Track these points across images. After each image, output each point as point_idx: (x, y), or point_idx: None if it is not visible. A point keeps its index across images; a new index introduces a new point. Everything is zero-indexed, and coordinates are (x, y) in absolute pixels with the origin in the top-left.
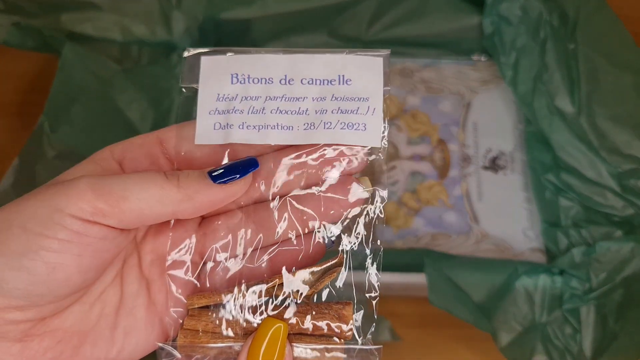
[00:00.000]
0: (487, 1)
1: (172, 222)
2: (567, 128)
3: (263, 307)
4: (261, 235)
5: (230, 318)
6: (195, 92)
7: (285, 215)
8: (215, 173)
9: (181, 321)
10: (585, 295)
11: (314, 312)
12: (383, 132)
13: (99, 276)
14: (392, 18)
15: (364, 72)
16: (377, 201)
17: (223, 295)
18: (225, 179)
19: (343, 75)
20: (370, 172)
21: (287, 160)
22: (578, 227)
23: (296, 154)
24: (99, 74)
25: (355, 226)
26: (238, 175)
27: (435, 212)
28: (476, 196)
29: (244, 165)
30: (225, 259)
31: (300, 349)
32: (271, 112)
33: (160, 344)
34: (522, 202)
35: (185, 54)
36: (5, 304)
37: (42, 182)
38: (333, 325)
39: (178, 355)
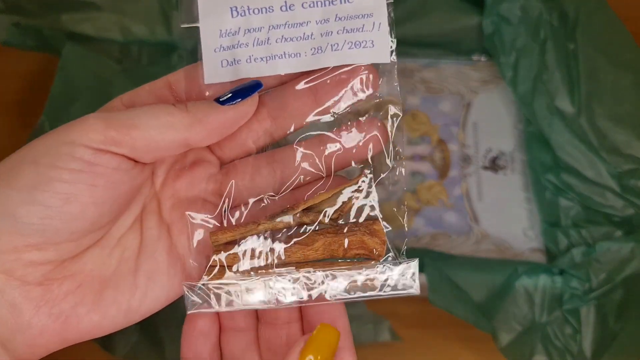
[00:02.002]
0: (487, 1)
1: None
2: (567, 128)
3: (291, 233)
4: (281, 171)
5: (257, 251)
6: (196, 30)
7: (302, 153)
8: (223, 98)
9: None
10: (585, 296)
11: (344, 230)
12: (391, 47)
13: (116, 214)
14: (392, 18)
15: None
16: (391, 117)
17: (248, 228)
18: (233, 101)
19: None
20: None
21: (300, 86)
22: (578, 227)
23: (306, 80)
24: (99, 74)
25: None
26: (244, 97)
27: (435, 212)
28: (476, 196)
29: (248, 87)
30: (248, 197)
31: (335, 275)
32: (276, 42)
33: (186, 283)
34: (522, 202)
35: None
36: (23, 242)
37: None
38: (366, 239)
39: (209, 293)
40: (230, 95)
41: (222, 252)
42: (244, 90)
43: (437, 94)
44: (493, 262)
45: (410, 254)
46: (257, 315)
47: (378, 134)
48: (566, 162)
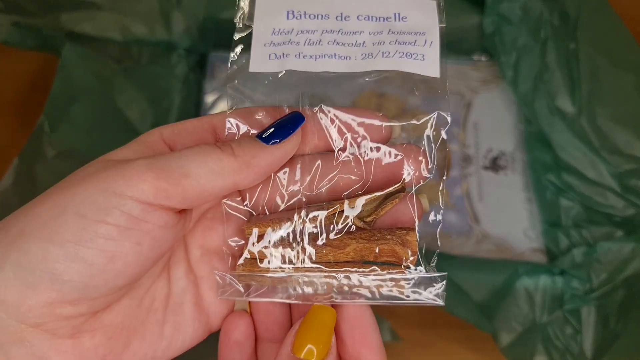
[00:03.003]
0: (488, 1)
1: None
2: (568, 128)
3: (324, 235)
4: (319, 161)
5: (288, 248)
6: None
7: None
8: (265, 135)
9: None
10: (586, 296)
11: (377, 238)
12: (441, 64)
13: (150, 269)
14: None
15: (418, 10)
16: (434, 125)
17: (282, 223)
18: (277, 139)
19: (399, 13)
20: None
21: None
22: (579, 227)
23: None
24: (98, 74)
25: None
26: (288, 133)
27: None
28: (477, 196)
29: (291, 120)
30: (284, 187)
31: (363, 278)
32: (328, 44)
33: (219, 273)
34: (522, 202)
35: None
36: (59, 298)
37: (42, 182)
38: (397, 250)
39: (239, 285)
40: (272, 130)
41: (255, 244)
42: (287, 125)
43: (437, 94)
44: (493, 262)
45: None
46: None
47: (415, 162)
48: (567, 162)
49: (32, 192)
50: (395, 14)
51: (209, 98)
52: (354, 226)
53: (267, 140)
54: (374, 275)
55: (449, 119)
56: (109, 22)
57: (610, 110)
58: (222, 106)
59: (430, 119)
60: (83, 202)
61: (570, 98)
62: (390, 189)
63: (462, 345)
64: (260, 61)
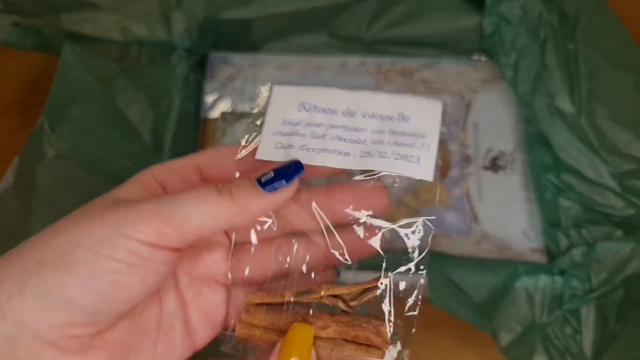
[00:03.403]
0: (487, 1)
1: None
2: (567, 128)
3: (309, 312)
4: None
5: (280, 317)
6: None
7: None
8: (264, 179)
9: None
10: (586, 296)
11: (355, 324)
12: (435, 168)
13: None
14: (392, 18)
15: (423, 112)
16: (421, 232)
17: (276, 297)
18: (275, 185)
19: (402, 113)
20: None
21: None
22: (578, 227)
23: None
24: (98, 74)
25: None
26: (285, 181)
27: (435, 213)
28: (476, 196)
29: (290, 169)
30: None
31: (340, 353)
32: (331, 139)
33: (223, 332)
34: (522, 202)
35: (264, 87)
36: (71, 321)
37: (42, 182)
38: (372, 338)
39: (235, 342)
40: (272, 175)
41: (252, 312)
42: (286, 172)
43: (437, 94)
44: (493, 262)
45: None
46: None
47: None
48: (566, 162)
49: (32, 193)
50: (399, 113)
51: (209, 98)
52: (335, 308)
53: (265, 185)
54: (351, 353)
55: (432, 228)
56: (109, 23)
57: (610, 110)
58: (222, 106)
59: (415, 223)
60: (95, 240)
61: (570, 98)
62: (369, 283)
63: (461, 344)
64: (267, 149)
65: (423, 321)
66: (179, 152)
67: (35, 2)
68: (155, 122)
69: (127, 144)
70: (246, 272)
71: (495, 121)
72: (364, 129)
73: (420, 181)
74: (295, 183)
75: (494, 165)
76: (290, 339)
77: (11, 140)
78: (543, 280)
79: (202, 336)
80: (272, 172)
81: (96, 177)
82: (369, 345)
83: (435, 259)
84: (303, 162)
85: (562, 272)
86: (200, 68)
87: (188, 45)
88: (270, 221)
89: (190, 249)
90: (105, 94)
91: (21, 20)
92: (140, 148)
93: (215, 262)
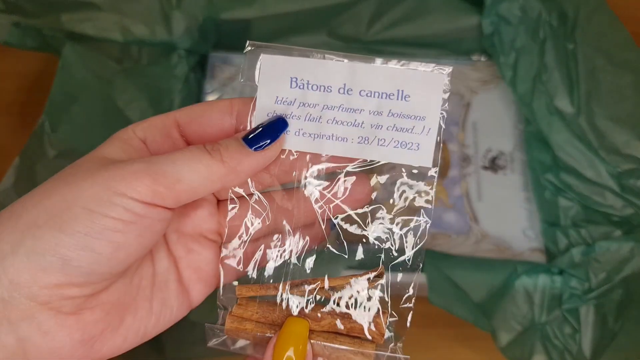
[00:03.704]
0: (487, 1)
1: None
2: (567, 128)
3: (303, 305)
4: (308, 238)
5: (273, 311)
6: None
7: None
8: (251, 137)
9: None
10: (585, 295)
11: (350, 317)
12: (435, 152)
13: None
14: (392, 18)
15: (424, 88)
16: (421, 221)
17: (269, 290)
18: (261, 144)
19: (402, 91)
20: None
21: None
22: (577, 226)
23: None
24: (99, 74)
25: (398, 241)
26: (269, 140)
27: (435, 212)
28: (476, 196)
29: (274, 127)
30: (275, 253)
31: (334, 346)
32: (327, 122)
33: (209, 325)
34: (521, 202)
35: (247, 48)
36: (67, 281)
37: (43, 181)
38: (367, 330)
39: (224, 336)
40: (257, 134)
41: (244, 305)
42: (271, 130)
43: None
44: (493, 261)
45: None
46: None
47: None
48: (565, 161)
49: None
50: (399, 90)
51: (209, 98)
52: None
53: (252, 143)
54: (346, 347)
55: (428, 221)
56: (109, 23)
57: (609, 110)
58: None
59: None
60: (90, 198)
61: (569, 98)
62: (371, 274)
63: (461, 344)
64: None
65: (423, 321)
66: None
67: (35, 2)
68: None
69: None
70: (240, 230)
71: (495, 121)
72: (361, 109)
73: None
74: (281, 139)
75: (494, 165)
76: (286, 333)
77: (12, 140)
78: (542, 279)
79: (196, 293)
80: (258, 129)
81: None
82: (362, 338)
83: (435, 259)
84: (299, 149)
85: (561, 272)
86: (200, 68)
87: (188, 45)
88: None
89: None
90: (105, 93)
91: (22, 20)
92: None
93: (203, 219)
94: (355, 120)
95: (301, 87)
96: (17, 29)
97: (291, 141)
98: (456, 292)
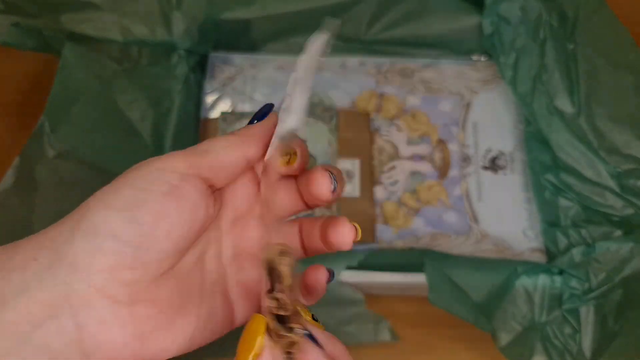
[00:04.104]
0: (487, 1)
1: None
2: (567, 128)
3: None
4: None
5: None
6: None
7: None
8: (252, 123)
9: None
10: (585, 295)
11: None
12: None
13: (189, 243)
14: (392, 18)
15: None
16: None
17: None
18: (259, 117)
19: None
20: None
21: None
22: (577, 227)
23: None
24: (99, 74)
25: None
26: (264, 116)
27: (435, 212)
28: (476, 196)
29: (264, 110)
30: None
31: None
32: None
33: None
34: (521, 202)
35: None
36: (118, 261)
37: (43, 182)
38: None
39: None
40: (255, 120)
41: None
42: (262, 113)
43: (437, 94)
44: (493, 261)
45: (411, 254)
46: None
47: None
48: (565, 162)
49: (33, 192)
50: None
51: (209, 98)
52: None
53: (252, 121)
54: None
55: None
56: (109, 23)
57: (609, 111)
58: (222, 106)
59: None
60: (133, 177)
61: (569, 98)
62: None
63: (461, 344)
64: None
65: (423, 321)
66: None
67: (35, 3)
68: (155, 122)
69: (128, 144)
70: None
71: (495, 121)
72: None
73: (420, 180)
74: (273, 115)
75: (494, 165)
76: (247, 328)
77: (12, 140)
78: (542, 279)
79: (241, 310)
80: (254, 118)
81: (96, 177)
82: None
83: (435, 259)
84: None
85: (561, 272)
86: (200, 68)
87: (188, 45)
88: None
89: (236, 223)
90: (105, 94)
91: (21, 21)
92: (141, 148)
93: (255, 239)
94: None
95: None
96: (16, 29)
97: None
98: (456, 292)
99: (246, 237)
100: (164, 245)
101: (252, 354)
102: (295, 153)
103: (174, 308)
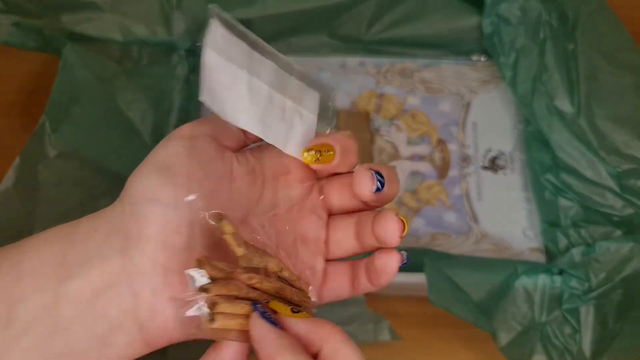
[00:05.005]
0: (487, 2)
1: None
2: (567, 128)
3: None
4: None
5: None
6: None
7: None
8: None
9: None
10: (585, 295)
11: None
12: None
13: (225, 195)
14: (392, 18)
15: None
16: None
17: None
18: None
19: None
20: None
21: None
22: (577, 227)
23: None
24: (99, 74)
25: None
26: None
27: (435, 212)
28: (476, 196)
29: None
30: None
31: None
32: (272, 116)
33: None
34: (521, 202)
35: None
36: (165, 225)
37: (44, 182)
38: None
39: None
40: None
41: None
42: None
43: (436, 94)
44: (492, 261)
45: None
46: None
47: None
48: (565, 162)
49: (34, 192)
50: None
51: None
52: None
53: None
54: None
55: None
56: (110, 23)
57: (609, 111)
58: None
59: None
60: (155, 153)
61: (569, 98)
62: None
63: (461, 344)
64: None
65: (423, 321)
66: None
67: (36, 2)
68: (155, 122)
69: (128, 144)
70: None
71: (495, 121)
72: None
73: (420, 180)
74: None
75: (493, 165)
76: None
77: (12, 140)
78: (542, 279)
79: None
80: None
81: (97, 177)
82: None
83: (435, 259)
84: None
85: (561, 272)
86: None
87: (188, 45)
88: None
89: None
90: (106, 94)
91: (22, 21)
92: (141, 148)
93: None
94: (285, 119)
95: (247, 74)
96: (17, 29)
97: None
98: (456, 292)
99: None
100: (200, 202)
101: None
102: (329, 149)
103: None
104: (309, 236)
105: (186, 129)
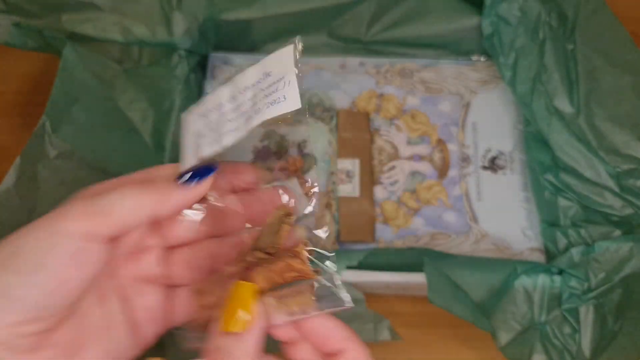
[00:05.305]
0: (486, 2)
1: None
2: (566, 128)
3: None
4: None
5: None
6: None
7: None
8: (183, 179)
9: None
10: (584, 295)
11: (273, 260)
12: (300, 96)
13: (88, 290)
14: (392, 19)
15: (280, 61)
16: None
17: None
18: (189, 180)
19: (266, 72)
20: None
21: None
22: (577, 226)
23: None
24: (99, 75)
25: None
26: (199, 178)
27: (434, 212)
28: (475, 196)
29: (205, 169)
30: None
31: (271, 300)
32: (223, 123)
33: (177, 332)
34: (521, 202)
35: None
36: (18, 318)
37: (44, 182)
38: (292, 263)
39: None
40: (190, 174)
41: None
42: (202, 171)
43: (436, 94)
44: (492, 261)
45: (410, 254)
46: None
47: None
48: (565, 162)
49: (34, 192)
50: (264, 73)
51: None
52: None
53: (181, 179)
54: (280, 293)
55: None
56: (110, 23)
57: (608, 111)
58: None
59: None
60: (33, 239)
61: (569, 98)
62: (278, 213)
63: (461, 344)
64: (188, 162)
65: (423, 321)
66: (179, 152)
67: (36, 3)
68: (156, 123)
69: (128, 144)
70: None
71: (494, 121)
72: (243, 102)
73: (420, 180)
74: (208, 180)
75: (493, 165)
76: (232, 298)
77: (13, 140)
78: (542, 279)
79: (149, 332)
80: (189, 172)
81: (97, 177)
82: (301, 280)
83: (435, 259)
84: (210, 154)
85: (560, 272)
86: (200, 69)
87: (188, 45)
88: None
89: (130, 252)
90: (106, 94)
91: (22, 21)
92: (142, 148)
93: (151, 264)
94: (241, 111)
95: (205, 115)
96: (17, 29)
97: (205, 152)
98: (456, 292)
99: (138, 264)
100: (65, 301)
101: (239, 316)
102: (287, 215)
103: (75, 347)
104: None
105: (82, 226)
